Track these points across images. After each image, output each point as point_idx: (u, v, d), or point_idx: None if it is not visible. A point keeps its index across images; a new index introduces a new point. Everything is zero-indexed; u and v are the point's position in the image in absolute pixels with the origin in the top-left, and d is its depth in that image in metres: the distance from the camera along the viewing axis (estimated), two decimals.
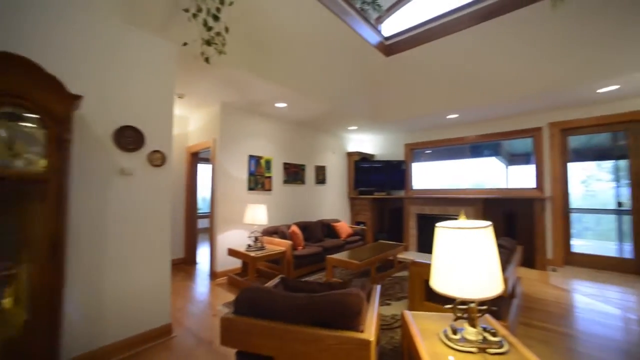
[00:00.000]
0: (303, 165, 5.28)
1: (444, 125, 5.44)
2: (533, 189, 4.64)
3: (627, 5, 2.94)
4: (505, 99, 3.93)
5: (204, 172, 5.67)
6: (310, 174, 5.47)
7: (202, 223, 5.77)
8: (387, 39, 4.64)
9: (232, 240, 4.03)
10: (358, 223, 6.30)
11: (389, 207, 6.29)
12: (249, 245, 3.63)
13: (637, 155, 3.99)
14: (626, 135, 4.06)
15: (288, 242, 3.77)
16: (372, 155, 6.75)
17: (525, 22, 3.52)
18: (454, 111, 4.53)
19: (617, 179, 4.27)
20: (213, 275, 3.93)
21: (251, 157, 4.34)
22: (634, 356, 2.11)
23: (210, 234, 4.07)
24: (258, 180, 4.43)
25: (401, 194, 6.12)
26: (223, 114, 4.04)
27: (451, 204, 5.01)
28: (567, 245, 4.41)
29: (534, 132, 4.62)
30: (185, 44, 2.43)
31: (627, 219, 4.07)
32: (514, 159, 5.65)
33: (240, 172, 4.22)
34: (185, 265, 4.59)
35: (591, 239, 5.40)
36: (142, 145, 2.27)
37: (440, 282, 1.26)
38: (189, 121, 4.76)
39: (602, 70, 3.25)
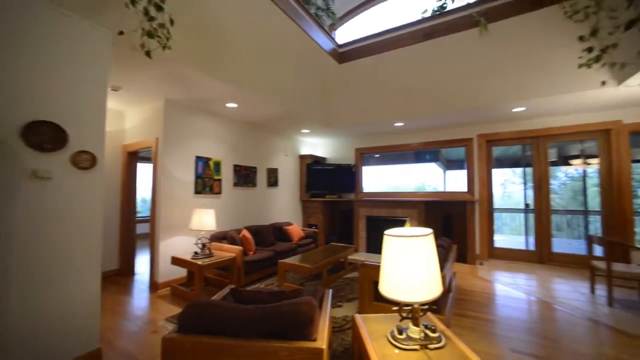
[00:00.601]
0: (255, 168, 5.14)
1: (392, 132, 5.80)
2: (465, 192, 5.22)
3: (535, 35, 3.50)
4: (443, 111, 4.35)
5: (144, 171, 5.14)
6: (262, 177, 5.35)
7: (141, 228, 5.21)
8: (340, 46, 4.79)
9: (177, 248, 3.74)
10: (310, 226, 6.36)
11: (340, 209, 6.48)
12: (196, 253, 3.40)
13: (538, 163, 4.78)
14: (532, 147, 4.84)
15: (238, 248, 3.63)
16: (324, 159, 6.88)
17: (457, 45, 3.96)
18: (400, 119, 4.86)
19: (525, 183, 5.06)
20: (154, 286, 3.59)
21: (199, 158, 4.08)
22: (536, 332, 2.52)
23: (151, 240, 3.71)
24: (206, 183, 4.18)
25: (351, 196, 6.36)
26: (167, 111, 3.72)
27: (397, 206, 5.36)
28: (491, 241, 5.06)
29: (466, 142, 5.21)
30: (121, 32, 2.18)
31: (531, 217, 4.85)
32: (450, 164, 6.29)
33: (186, 175, 3.94)
34: (120, 277, 4.10)
35: (508, 234, 6.32)
36: (64, 144, 1.97)
37: (388, 287, 1.33)
38: (126, 117, 4.28)
39: (515, 93, 3.81)
